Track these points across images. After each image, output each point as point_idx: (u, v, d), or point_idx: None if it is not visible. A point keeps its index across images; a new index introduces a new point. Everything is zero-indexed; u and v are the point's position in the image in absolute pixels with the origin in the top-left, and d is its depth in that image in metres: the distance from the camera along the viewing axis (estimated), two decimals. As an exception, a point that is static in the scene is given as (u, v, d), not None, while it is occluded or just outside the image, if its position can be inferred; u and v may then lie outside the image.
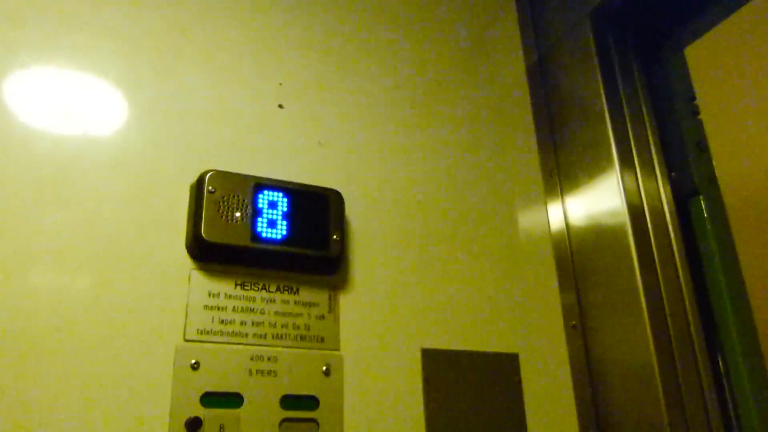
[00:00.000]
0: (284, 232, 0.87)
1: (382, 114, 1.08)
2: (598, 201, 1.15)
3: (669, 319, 1.04)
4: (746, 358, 1.06)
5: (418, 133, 1.10)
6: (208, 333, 0.81)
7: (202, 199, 0.83)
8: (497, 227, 1.12)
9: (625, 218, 1.09)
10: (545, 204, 1.21)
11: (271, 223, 0.86)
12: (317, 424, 0.84)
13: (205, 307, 0.82)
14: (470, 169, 1.13)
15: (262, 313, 0.85)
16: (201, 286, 0.83)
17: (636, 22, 1.25)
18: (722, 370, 1.06)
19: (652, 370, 0.99)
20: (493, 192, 1.15)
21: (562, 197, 1.22)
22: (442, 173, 1.09)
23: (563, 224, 1.20)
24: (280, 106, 0.97)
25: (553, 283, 1.14)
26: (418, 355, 0.94)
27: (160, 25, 0.95)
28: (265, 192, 0.87)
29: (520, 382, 1.00)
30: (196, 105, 0.92)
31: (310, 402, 0.85)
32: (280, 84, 0.99)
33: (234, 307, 0.84)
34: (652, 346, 1.00)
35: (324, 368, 0.87)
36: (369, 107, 1.07)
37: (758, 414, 1.01)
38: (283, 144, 0.96)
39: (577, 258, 1.17)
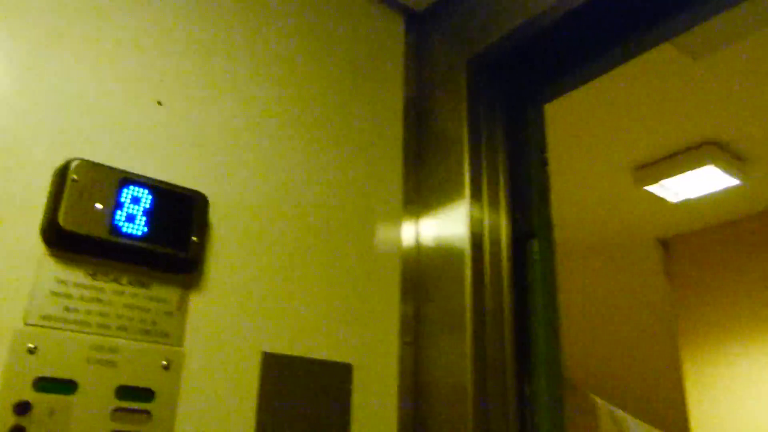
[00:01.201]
0: (144, 229, 0.89)
1: (258, 123, 1.11)
2: (447, 227, 1.25)
3: (487, 345, 1.16)
4: (549, 388, 1.20)
5: (292, 146, 1.15)
6: (50, 319, 0.82)
7: (64, 186, 0.83)
8: (353, 242, 1.19)
9: (466, 245, 1.20)
10: (400, 224, 1.30)
11: (132, 218, 0.88)
12: (150, 415, 0.87)
13: (52, 293, 0.83)
14: (336, 185, 1.19)
15: (110, 304, 0.87)
16: (50, 272, 0.83)
17: (507, 75, 1.37)
18: (527, 398, 1.19)
19: (466, 392, 1.09)
20: (354, 209, 1.21)
21: (417, 220, 1.32)
22: (309, 187, 1.14)
23: (415, 244, 1.30)
24: (159, 103, 0.99)
25: (396, 299, 1.23)
26: (258, 357, 0.99)
27: (44, 5, 0.93)
28: (131, 187, 0.89)
29: (350, 392, 1.07)
30: (72, 92, 0.91)
31: (145, 394, 0.87)
32: (161, 81, 1.00)
33: (82, 296, 0.85)
34: (469, 370, 1.11)
35: (164, 363, 0.90)
36: (247, 115, 1.10)
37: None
38: (156, 141, 0.97)
39: (422, 277, 1.27)
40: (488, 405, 1.11)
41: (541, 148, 1.36)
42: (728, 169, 2.87)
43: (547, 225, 1.30)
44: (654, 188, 3.08)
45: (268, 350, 1.00)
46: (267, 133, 1.12)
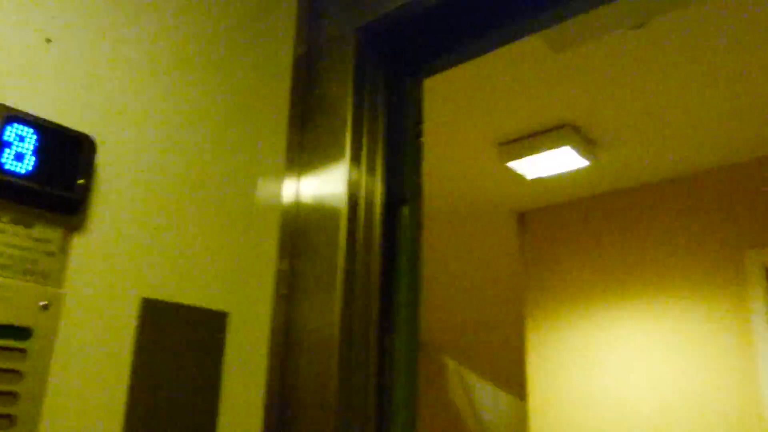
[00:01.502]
0: (29, 168, 0.89)
1: (149, 68, 1.12)
2: (327, 186, 1.32)
3: (355, 303, 1.25)
4: (408, 345, 1.31)
5: (181, 93, 1.16)
6: (-74, 253, 0.81)
7: (-55, 119, 0.82)
8: (235, 194, 1.22)
9: (343, 205, 1.27)
10: (282, 181, 1.34)
11: (19, 157, 0.87)
12: (26, 353, 0.88)
13: (-71, 227, 0.81)
14: (222, 137, 1.22)
15: (-10, 242, 0.87)
16: (-72, 206, 0.82)
17: (392, 47, 1.44)
18: (387, 353, 1.30)
19: (333, 345, 1.16)
20: (238, 162, 1.25)
21: (298, 178, 1.38)
22: (195, 137, 1.17)
23: (294, 201, 1.36)
24: (48, 40, 0.97)
25: (274, 253, 1.28)
26: (137, 303, 1.01)
27: None
28: (16, 125, 0.88)
29: (223, 339, 1.12)
30: (-44, 23, 0.88)
31: (22, 333, 0.88)
32: (52, 18, 0.98)
33: (-40, 232, 0.84)
34: (337, 324, 1.17)
35: (43, 303, 0.91)
36: (138, 59, 1.10)
37: (405, 407, 1.27)
38: (45, 80, 0.96)
39: (299, 233, 1.33)
40: (352, 358, 1.19)
41: (418, 120, 1.46)
42: (581, 150, 3.15)
43: (418, 193, 1.41)
44: (515, 164, 3.32)
45: (148, 296, 1.03)
46: (157, 78, 1.12)
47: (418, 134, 1.46)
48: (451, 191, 3.78)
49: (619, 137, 3.15)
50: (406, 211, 1.39)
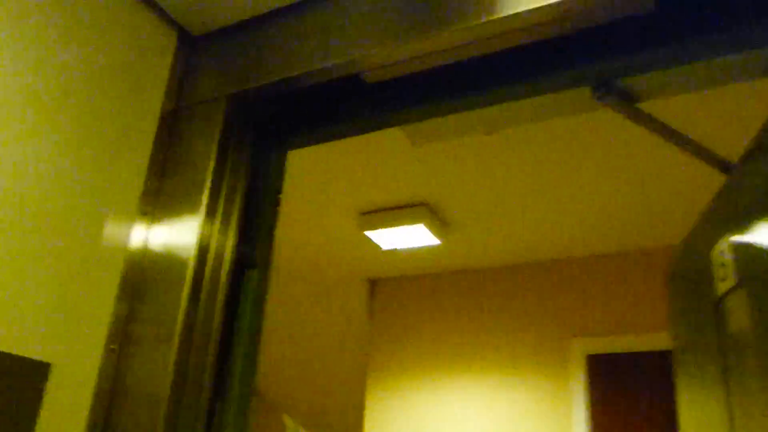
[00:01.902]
0: None
1: (18, 98, 1.09)
2: (178, 236, 1.31)
3: (191, 360, 1.23)
4: (239, 409, 1.31)
5: (38, 134, 1.14)
6: None
7: None
8: (78, 240, 1.19)
9: (191, 257, 1.27)
10: (131, 229, 1.32)
11: None
12: None
13: None
14: (71, 182, 1.20)
15: None
16: None
17: (260, 118, 1.49)
18: (218, 415, 1.29)
19: (161, 403, 1.13)
20: (87, 206, 1.22)
21: (150, 225, 1.36)
22: (44, 180, 1.14)
23: (143, 247, 1.33)
24: None
25: (111, 302, 1.24)
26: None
27: None
28: None
29: (42, 391, 1.07)
30: None
31: None
32: None
33: None
34: (169, 382, 1.15)
35: None
36: (9, 91, 1.08)
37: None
38: None
39: (142, 282, 1.30)
40: (180, 418, 1.17)
41: (278, 189, 1.51)
42: (434, 230, 3.33)
43: (268, 259, 1.44)
44: (373, 234, 3.44)
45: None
46: (11, 117, 1.10)
47: (276, 203, 1.50)
48: (309, 253, 3.82)
49: (469, 222, 3.37)
50: (254, 275, 1.41)
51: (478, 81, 1.30)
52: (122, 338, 1.25)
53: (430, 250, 3.75)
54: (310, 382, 4.43)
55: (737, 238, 0.96)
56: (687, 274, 1.22)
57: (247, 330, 1.35)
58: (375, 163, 2.74)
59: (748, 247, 0.93)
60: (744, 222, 0.95)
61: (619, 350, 3.60)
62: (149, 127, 1.42)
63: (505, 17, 1.12)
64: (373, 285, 4.41)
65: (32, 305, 1.09)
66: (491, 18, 1.13)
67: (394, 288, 4.37)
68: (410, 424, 4.03)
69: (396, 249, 3.66)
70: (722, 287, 0.99)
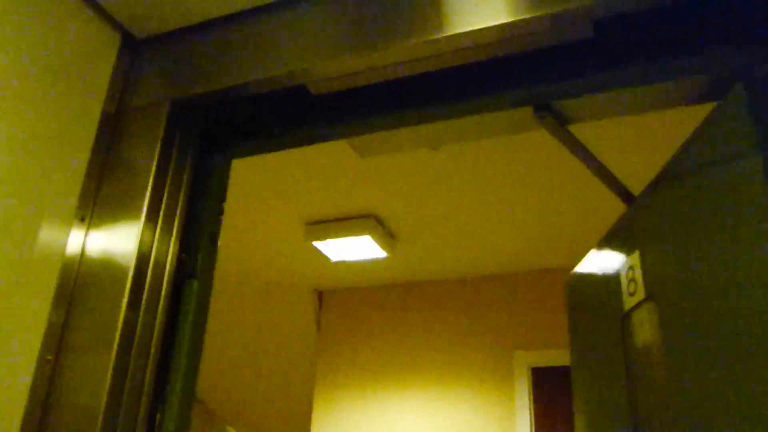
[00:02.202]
0: None
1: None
2: (118, 242, 1.28)
3: (129, 370, 1.20)
4: (179, 420, 1.29)
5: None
6: None
7: None
8: (12, 242, 1.16)
9: (132, 262, 1.24)
10: (68, 233, 1.29)
11: None
12: None
13: None
14: (7, 179, 1.17)
15: None
16: None
17: (204, 124, 1.48)
18: (157, 427, 1.26)
19: (97, 416, 1.11)
20: (20, 211, 1.19)
21: (88, 230, 1.33)
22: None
23: (80, 252, 1.30)
24: None
25: (46, 310, 1.20)
26: None
27: None
28: None
29: None
30: None
31: None
32: None
33: None
34: (105, 393, 1.12)
35: None
36: None
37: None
38: None
39: (79, 288, 1.27)
40: (117, 428, 1.14)
41: (221, 198, 1.49)
42: (381, 242, 3.34)
43: (210, 269, 1.42)
44: (320, 245, 3.43)
45: None
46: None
47: (220, 212, 1.49)
48: (257, 263, 3.79)
49: (415, 235, 3.39)
50: (194, 285, 1.39)
51: (425, 96, 1.32)
52: (57, 347, 1.21)
53: (377, 262, 3.75)
54: (257, 393, 4.37)
55: (646, 256, 1.01)
56: (588, 293, 1.27)
57: (188, 339, 1.32)
58: (323, 174, 2.74)
59: (656, 264, 0.98)
60: (652, 242, 1.00)
61: (562, 363, 3.67)
62: (89, 130, 1.39)
63: (451, 36, 1.14)
64: (321, 296, 4.39)
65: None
66: (437, 36, 1.15)
67: (341, 299, 4.36)
68: (357, 428, 4.02)
69: (344, 261, 3.66)
70: (630, 301, 1.04)
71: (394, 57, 1.21)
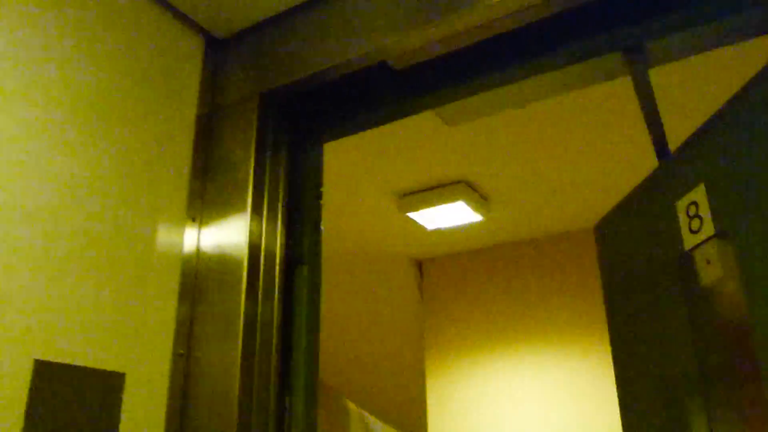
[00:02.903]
0: None
1: (44, 122, 1.13)
2: (229, 237, 1.34)
3: (256, 357, 1.27)
4: (306, 402, 1.34)
5: (80, 150, 1.18)
6: None
7: None
8: (136, 247, 1.23)
9: (244, 255, 1.30)
10: (183, 233, 1.36)
11: None
12: None
13: None
14: (119, 193, 1.24)
15: None
16: None
17: (294, 113, 1.51)
18: (287, 409, 1.32)
19: (233, 402, 1.18)
20: (137, 215, 1.26)
21: (200, 228, 1.40)
22: (92, 192, 1.18)
23: (196, 250, 1.37)
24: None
25: (173, 306, 1.28)
26: (30, 365, 1.01)
27: None
28: None
29: (120, 401, 1.11)
30: None
31: None
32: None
33: None
34: (237, 380, 1.19)
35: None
36: (33, 114, 1.12)
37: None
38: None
39: (201, 281, 1.34)
40: (252, 415, 1.20)
41: (317, 183, 1.52)
42: (475, 206, 3.32)
43: (316, 254, 1.46)
44: (414, 215, 3.45)
45: (41, 358, 1.03)
46: (50, 131, 1.14)
47: (318, 197, 1.52)
48: (354, 240, 3.86)
49: (509, 195, 3.34)
50: (304, 270, 1.43)
51: (507, 56, 1.29)
52: (188, 341, 1.29)
53: (473, 226, 3.73)
54: (367, 366, 4.48)
55: (715, 188, 0.94)
56: (629, 237, 1.20)
57: (306, 323, 1.37)
58: (409, 145, 2.74)
59: (728, 198, 0.91)
60: (723, 175, 0.93)
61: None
62: (187, 131, 1.45)
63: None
64: (421, 266, 4.43)
65: (100, 318, 1.13)
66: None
67: (441, 266, 4.37)
68: (473, 401, 4.05)
69: (440, 228, 3.66)
70: (693, 239, 0.97)
71: (473, 20, 1.19)
